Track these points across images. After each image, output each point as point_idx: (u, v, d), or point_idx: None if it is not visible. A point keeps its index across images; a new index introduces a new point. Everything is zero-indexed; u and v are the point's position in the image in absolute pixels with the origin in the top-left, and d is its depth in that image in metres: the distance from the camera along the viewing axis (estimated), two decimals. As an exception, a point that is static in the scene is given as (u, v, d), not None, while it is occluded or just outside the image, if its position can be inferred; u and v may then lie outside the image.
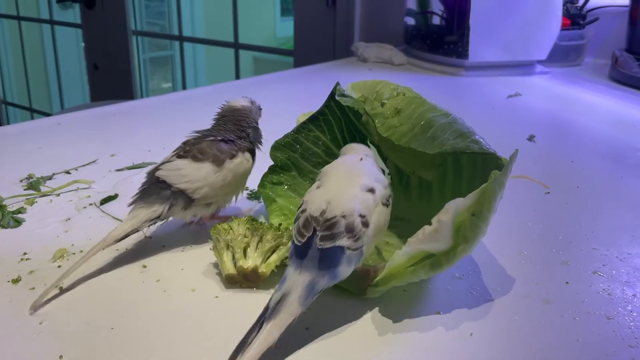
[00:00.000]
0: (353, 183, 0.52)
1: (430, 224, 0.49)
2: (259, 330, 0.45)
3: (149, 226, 0.61)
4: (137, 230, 0.59)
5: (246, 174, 0.66)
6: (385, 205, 0.52)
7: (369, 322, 0.50)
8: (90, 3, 2.27)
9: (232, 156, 0.64)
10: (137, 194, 0.61)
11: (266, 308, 0.46)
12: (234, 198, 0.66)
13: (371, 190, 0.51)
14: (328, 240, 0.48)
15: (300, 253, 0.49)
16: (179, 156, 0.62)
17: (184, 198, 0.61)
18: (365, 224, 0.49)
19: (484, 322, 0.50)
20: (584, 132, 1.06)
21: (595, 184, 0.81)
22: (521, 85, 1.34)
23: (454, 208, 0.48)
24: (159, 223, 0.65)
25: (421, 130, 0.57)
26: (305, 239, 0.48)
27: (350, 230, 0.48)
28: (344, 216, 0.49)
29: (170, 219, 0.64)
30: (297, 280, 0.47)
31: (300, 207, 0.51)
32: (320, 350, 0.47)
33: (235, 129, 0.66)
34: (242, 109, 0.67)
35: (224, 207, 0.66)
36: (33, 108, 2.93)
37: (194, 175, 0.61)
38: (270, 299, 0.47)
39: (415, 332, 0.49)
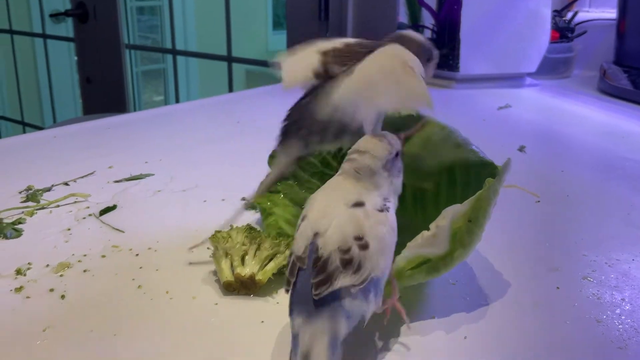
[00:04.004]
0: (337, 201, 0.45)
1: (428, 230, 0.51)
2: None
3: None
4: (285, 176, 0.60)
5: None
6: (381, 210, 0.45)
7: (366, 326, 0.51)
8: (83, 17, 2.28)
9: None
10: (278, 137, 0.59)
11: None
12: None
13: (359, 204, 0.45)
14: (323, 286, 0.41)
15: (300, 298, 0.42)
16: None
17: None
18: (364, 247, 0.42)
19: (477, 326, 0.52)
20: (574, 143, 1.08)
21: (584, 193, 0.83)
22: (511, 97, 1.36)
23: (451, 214, 0.50)
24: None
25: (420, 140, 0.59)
26: (292, 285, 0.42)
27: (347, 263, 0.41)
28: (338, 249, 0.42)
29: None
30: (312, 332, 0.40)
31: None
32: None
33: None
34: None
35: None
36: (25, 122, 2.93)
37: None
38: None
39: (411, 335, 0.50)
